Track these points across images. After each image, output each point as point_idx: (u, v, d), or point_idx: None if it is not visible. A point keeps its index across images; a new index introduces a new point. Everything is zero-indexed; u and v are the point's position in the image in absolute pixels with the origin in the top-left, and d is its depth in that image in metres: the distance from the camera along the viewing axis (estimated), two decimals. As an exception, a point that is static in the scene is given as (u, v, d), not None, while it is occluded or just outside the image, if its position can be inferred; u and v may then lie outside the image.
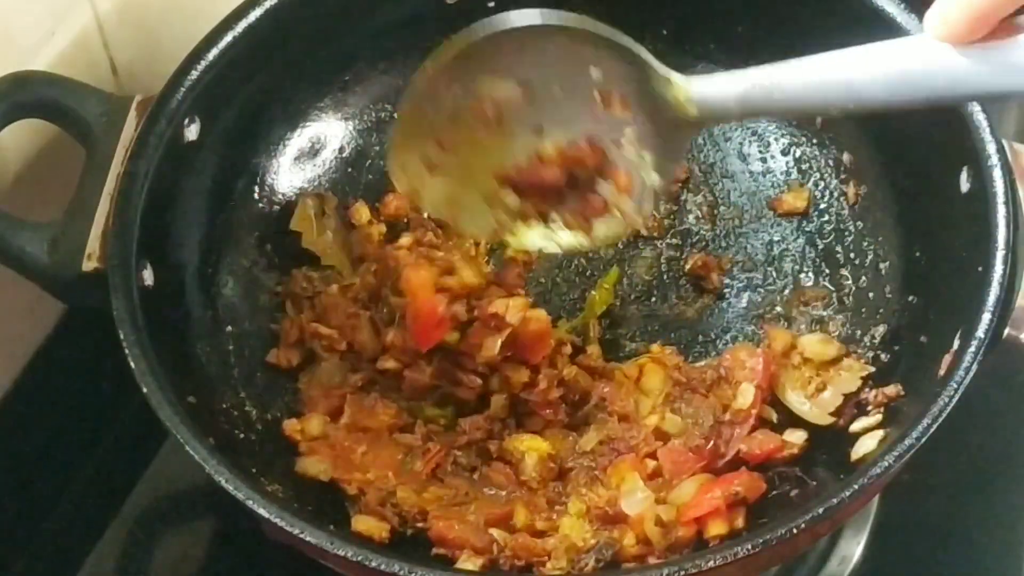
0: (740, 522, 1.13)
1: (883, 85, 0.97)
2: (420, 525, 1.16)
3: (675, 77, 1.04)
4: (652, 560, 1.13)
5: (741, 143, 1.37)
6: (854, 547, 1.28)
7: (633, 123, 1.08)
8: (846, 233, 1.31)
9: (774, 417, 1.22)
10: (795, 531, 1.00)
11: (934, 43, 0.93)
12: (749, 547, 0.99)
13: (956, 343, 1.08)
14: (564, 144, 1.10)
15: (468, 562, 1.13)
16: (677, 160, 1.10)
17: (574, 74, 1.07)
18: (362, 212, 1.34)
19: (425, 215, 1.32)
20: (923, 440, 1.03)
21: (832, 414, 1.20)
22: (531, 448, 1.21)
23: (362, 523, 1.15)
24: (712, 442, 1.19)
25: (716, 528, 1.13)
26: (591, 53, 1.06)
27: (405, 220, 1.35)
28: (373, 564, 1.00)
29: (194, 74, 1.21)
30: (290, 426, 1.22)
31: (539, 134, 1.10)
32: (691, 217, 1.36)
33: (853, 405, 1.20)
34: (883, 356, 1.22)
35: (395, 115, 1.22)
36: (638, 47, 1.05)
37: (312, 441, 1.22)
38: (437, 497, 1.18)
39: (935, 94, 0.95)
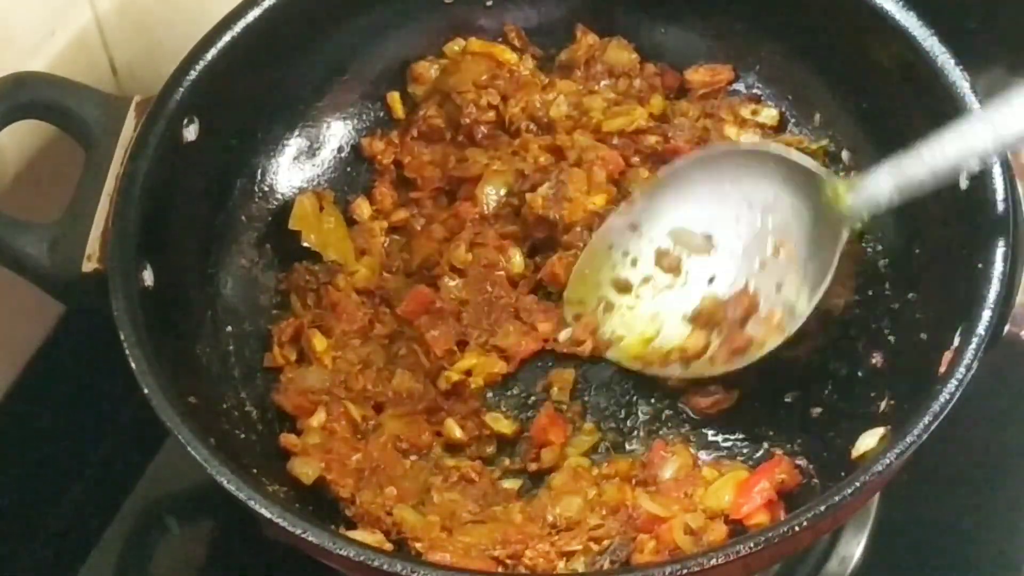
0: (781, 514, 1.14)
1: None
2: (418, 546, 1.15)
3: (840, 186, 1.17)
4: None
5: (739, 143, 1.37)
6: (854, 547, 1.28)
7: (797, 265, 1.20)
8: (845, 230, 1.31)
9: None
10: (796, 529, 1.00)
11: None
12: (751, 545, 0.99)
13: (956, 340, 1.08)
14: (730, 291, 1.23)
15: None
16: (828, 271, 1.18)
17: (752, 219, 1.22)
18: (363, 208, 1.35)
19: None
20: (924, 437, 1.03)
21: None
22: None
23: (359, 535, 1.14)
24: None
25: (760, 519, 1.14)
26: (765, 171, 1.21)
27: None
28: (376, 564, 1.00)
29: (193, 74, 1.21)
30: (287, 440, 1.22)
31: (711, 282, 1.25)
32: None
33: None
34: (883, 354, 1.22)
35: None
36: (811, 163, 1.20)
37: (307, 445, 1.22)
38: (435, 520, 1.17)
39: None
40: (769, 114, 1.34)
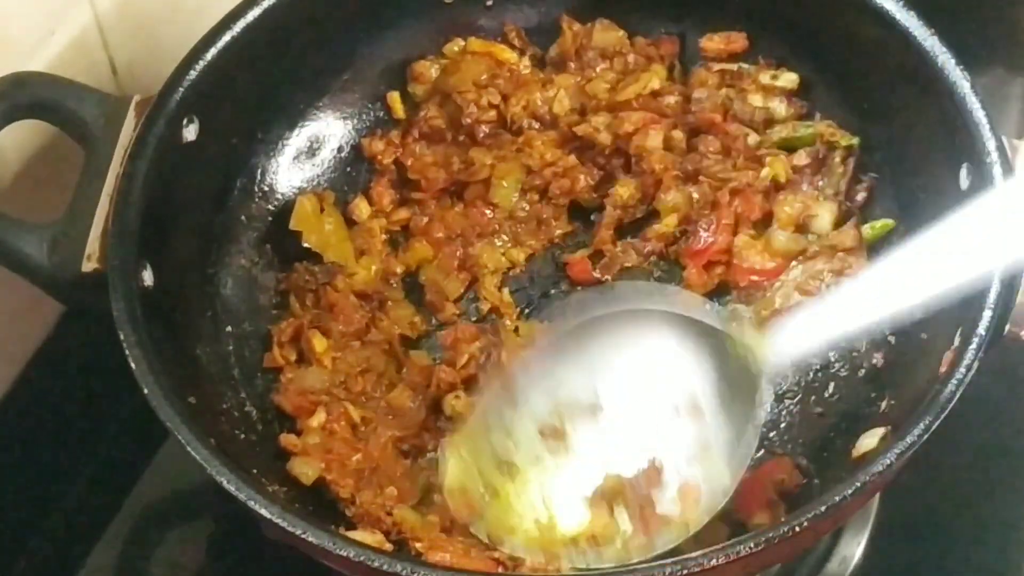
0: (782, 514, 1.14)
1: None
2: (419, 546, 1.15)
3: (753, 344, 1.12)
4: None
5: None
6: (854, 547, 1.28)
7: (714, 430, 1.13)
8: (847, 230, 1.31)
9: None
10: (797, 529, 1.00)
11: None
12: (751, 545, 0.99)
13: (957, 340, 1.08)
14: (631, 466, 1.13)
15: None
16: (756, 435, 1.13)
17: (649, 383, 1.15)
18: (362, 208, 1.35)
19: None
20: (924, 437, 1.03)
21: None
22: None
23: (359, 536, 1.14)
24: None
25: (761, 519, 1.14)
26: (661, 330, 1.15)
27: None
28: (376, 564, 1.00)
29: (192, 74, 1.21)
30: (287, 440, 1.22)
31: (608, 457, 1.15)
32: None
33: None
34: (883, 354, 1.22)
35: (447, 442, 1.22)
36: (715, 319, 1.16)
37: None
38: (435, 520, 1.17)
39: None
40: (789, 77, 1.32)
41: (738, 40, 1.35)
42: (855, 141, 1.29)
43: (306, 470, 1.18)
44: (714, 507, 1.12)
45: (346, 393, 1.24)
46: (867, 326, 1.09)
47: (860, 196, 1.28)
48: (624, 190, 1.32)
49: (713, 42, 1.35)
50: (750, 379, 1.12)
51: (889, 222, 1.26)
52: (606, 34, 1.37)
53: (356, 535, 1.12)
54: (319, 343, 1.26)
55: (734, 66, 1.34)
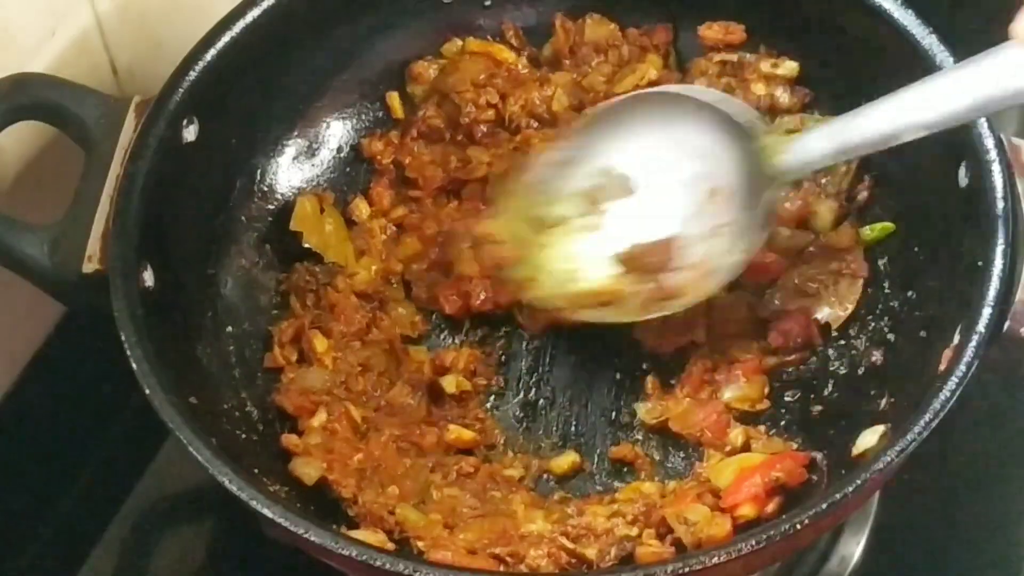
0: (772, 508, 1.13)
1: (971, 107, 1.04)
2: (420, 545, 1.15)
3: (773, 143, 1.15)
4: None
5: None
6: (854, 547, 1.28)
7: (731, 215, 1.17)
8: (845, 229, 1.31)
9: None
10: (798, 527, 1.00)
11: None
12: (752, 543, 0.99)
13: (956, 338, 1.08)
14: (653, 237, 1.21)
15: None
16: (765, 229, 1.17)
17: (685, 164, 1.20)
18: (362, 208, 1.35)
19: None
20: (924, 435, 1.03)
21: None
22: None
23: (361, 535, 1.14)
24: None
25: (745, 511, 1.13)
26: (700, 118, 1.18)
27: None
28: (378, 564, 1.00)
29: (192, 75, 1.21)
30: (289, 440, 1.22)
31: (637, 225, 1.22)
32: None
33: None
34: (883, 352, 1.23)
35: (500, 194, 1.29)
36: (744, 117, 1.17)
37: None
38: (437, 518, 1.17)
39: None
40: (790, 66, 1.32)
41: (736, 31, 1.34)
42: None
43: (308, 470, 1.18)
44: (720, 283, 1.19)
45: (347, 393, 1.25)
46: (874, 138, 1.10)
47: (861, 196, 1.28)
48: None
49: (712, 31, 1.35)
50: (769, 176, 1.15)
51: (889, 225, 1.26)
52: (598, 28, 1.37)
53: (358, 534, 1.13)
54: (320, 343, 1.26)
55: (734, 56, 1.34)
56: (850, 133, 1.10)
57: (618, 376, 1.28)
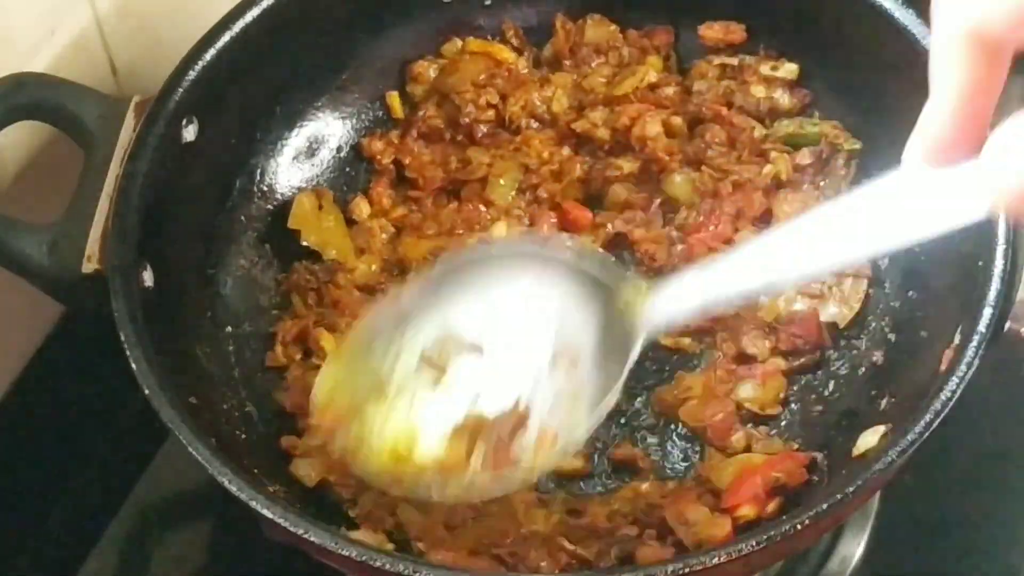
0: (772, 508, 1.13)
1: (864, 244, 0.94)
2: (420, 545, 1.15)
3: (636, 297, 1.07)
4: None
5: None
6: (854, 547, 1.28)
7: (580, 380, 1.10)
8: (845, 229, 1.31)
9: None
10: (798, 527, 1.00)
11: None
12: (753, 544, 0.99)
13: (957, 338, 1.08)
14: (498, 408, 1.10)
15: None
16: (615, 386, 1.08)
17: (533, 327, 1.11)
18: (362, 207, 1.35)
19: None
20: (925, 435, 1.03)
21: None
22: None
23: (361, 535, 1.14)
24: None
25: (746, 512, 1.13)
26: (553, 276, 1.10)
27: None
28: (378, 564, 1.00)
29: (192, 75, 1.21)
30: (289, 442, 1.22)
31: (478, 394, 1.11)
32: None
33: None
34: (884, 352, 1.23)
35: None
36: (604, 271, 1.09)
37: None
38: (438, 519, 1.17)
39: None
40: (790, 68, 1.32)
41: (736, 31, 1.34)
42: (858, 146, 1.29)
43: (309, 472, 1.18)
44: (563, 457, 1.12)
45: None
46: (744, 290, 1.03)
47: None
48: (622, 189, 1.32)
49: (712, 31, 1.35)
50: (627, 335, 1.08)
51: None
52: (598, 29, 1.37)
53: (358, 535, 1.13)
54: (328, 343, 1.26)
55: (734, 60, 1.34)
56: (720, 286, 1.02)
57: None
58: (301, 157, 1.36)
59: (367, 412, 1.11)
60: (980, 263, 1.09)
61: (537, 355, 1.11)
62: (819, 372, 1.24)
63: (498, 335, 1.12)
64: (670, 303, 1.05)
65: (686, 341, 1.27)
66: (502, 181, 1.34)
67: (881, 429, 1.12)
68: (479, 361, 1.12)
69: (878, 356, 1.22)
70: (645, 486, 1.20)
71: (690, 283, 1.04)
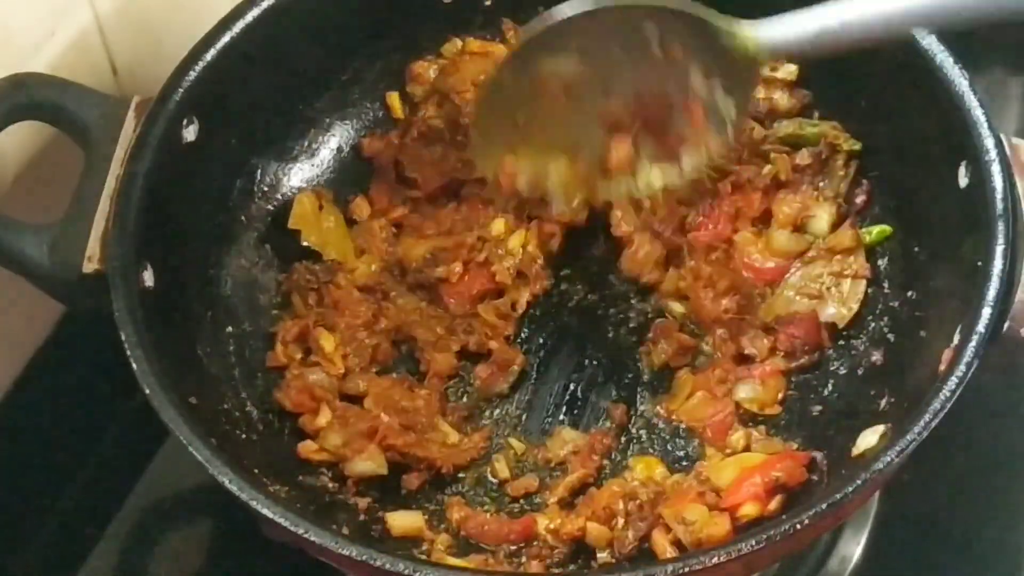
0: (772, 507, 1.13)
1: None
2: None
3: (740, 30, 1.09)
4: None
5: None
6: (854, 547, 1.28)
7: (697, 62, 1.11)
8: (845, 229, 1.31)
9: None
10: (798, 527, 1.00)
11: None
12: (752, 543, 0.99)
13: (956, 338, 1.08)
14: (631, 98, 1.14)
15: None
16: (751, 87, 1.14)
17: (632, 39, 1.11)
18: (363, 207, 1.35)
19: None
20: (924, 435, 1.03)
21: None
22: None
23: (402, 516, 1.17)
24: None
25: (746, 511, 1.13)
26: (650, 25, 1.11)
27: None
28: (378, 564, 1.00)
29: (192, 75, 1.21)
30: (305, 449, 1.22)
31: (607, 96, 1.14)
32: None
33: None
34: (883, 352, 1.23)
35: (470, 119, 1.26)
36: (695, 8, 1.10)
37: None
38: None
39: None
40: (788, 69, 1.32)
41: None
42: (858, 146, 1.29)
43: (371, 464, 1.20)
44: (728, 138, 1.16)
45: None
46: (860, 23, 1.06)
47: (859, 199, 1.29)
48: None
49: None
50: (745, 64, 1.11)
51: (887, 228, 1.26)
52: None
53: (399, 516, 1.15)
54: (328, 343, 1.26)
55: None
56: (831, 21, 1.06)
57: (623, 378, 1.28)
58: (302, 157, 1.36)
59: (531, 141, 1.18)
60: (979, 263, 1.09)
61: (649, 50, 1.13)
62: (818, 372, 1.25)
63: (606, 44, 1.13)
64: (781, 38, 1.08)
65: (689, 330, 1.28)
66: None
67: (880, 429, 1.12)
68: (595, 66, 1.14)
69: (877, 356, 1.23)
70: (658, 469, 1.20)
71: (803, 21, 1.07)
